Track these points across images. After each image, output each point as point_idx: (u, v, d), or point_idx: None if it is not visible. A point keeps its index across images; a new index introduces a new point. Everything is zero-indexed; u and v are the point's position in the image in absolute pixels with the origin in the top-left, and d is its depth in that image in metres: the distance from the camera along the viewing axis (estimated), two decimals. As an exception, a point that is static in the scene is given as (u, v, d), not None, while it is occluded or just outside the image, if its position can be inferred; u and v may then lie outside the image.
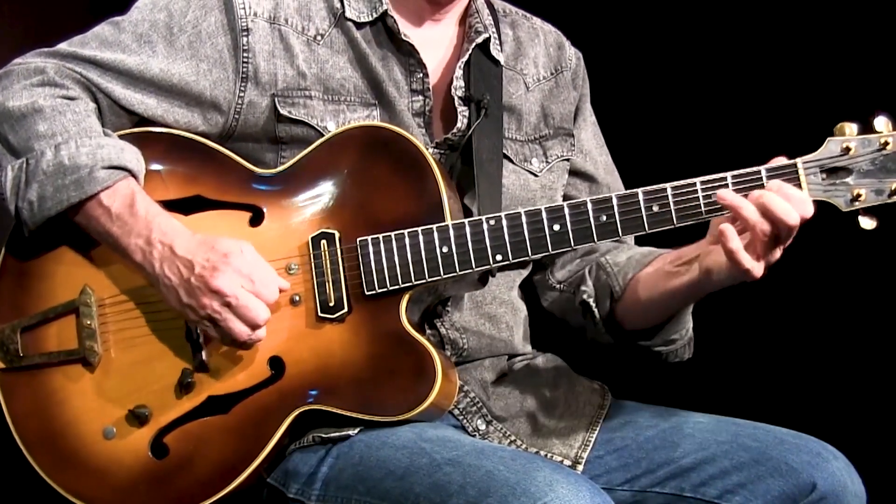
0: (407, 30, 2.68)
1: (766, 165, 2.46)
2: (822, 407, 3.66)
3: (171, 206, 2.56)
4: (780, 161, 2.47)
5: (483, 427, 2.65)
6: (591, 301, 2.75)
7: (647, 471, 2.60)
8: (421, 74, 2.67)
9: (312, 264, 2.53)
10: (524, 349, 2.79)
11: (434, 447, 2.42)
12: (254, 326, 2.48)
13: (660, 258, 2.71)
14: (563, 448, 2.64)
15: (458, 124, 2.68)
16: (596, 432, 2.66)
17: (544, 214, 2.49)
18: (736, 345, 3.80)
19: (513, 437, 2.65)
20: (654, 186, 2.48)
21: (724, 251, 2.45)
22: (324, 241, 2.53)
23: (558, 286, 2.84)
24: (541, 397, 2.71)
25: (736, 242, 2.43)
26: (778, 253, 2.46)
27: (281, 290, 2.50)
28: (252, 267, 2.48)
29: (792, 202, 2.42)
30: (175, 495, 2.50)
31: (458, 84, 2.70)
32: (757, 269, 2.45)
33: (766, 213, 2.42)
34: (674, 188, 2.46)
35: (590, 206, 2.49)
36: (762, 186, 2.45)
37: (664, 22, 3.86)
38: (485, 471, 2.33)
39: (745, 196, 2.43)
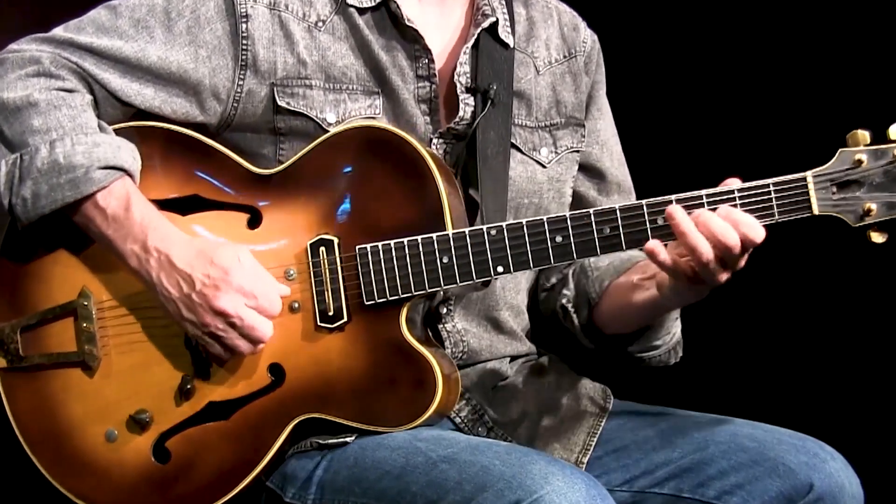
0: (411, 14, 2.60)
1: (775, 179, 2.39)
2: (820, 407, 3.66)
3: (167, 205, 2.53)
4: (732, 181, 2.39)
5: (485, 433, 2.64)
6: (569, 305, 2.71)
7: (646, 471, 2.60)
8: (426, 60, 2.60)
9: (311, 272, 2.49)
10: (526, 351, 2.76)
11: (429, 446, 2.42)
12: (258, 343, 2.47)
13: (636, 267, 2.64)
14: (564, 452, 2.63)
15: (461, 113, 2.61)
16: (597, 436, 2.65)
17: (546, 226, 2.44)
18: (735, 345, 3.79)
19: (513, 441, 2.63)
20: (659, 198, 2.41)
21: (658, 266, 2.42)
22: (322, 249, 2.49)
23: (548, 285, 2.78)
24: (542, 400, 2.70)
25: (663, 255, 2.39)
26: (725, 276, 2.40)
27: (282, 297, 2.48)
28: (254, 281, 2.45)
29: (744, 228, 2.36)
30: (177, 499, 2.52)
31: (463, 70, 2.62)
32: (701, 291, 2.42)
33: (713, 241, 2.36)
34: (679, 200, 2.39)
35: (593, 217, 2.42)
36: (770, 200, 2.38)
37: (674, 28, 3.77)
38: (480, 466, 2.34)
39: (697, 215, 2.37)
